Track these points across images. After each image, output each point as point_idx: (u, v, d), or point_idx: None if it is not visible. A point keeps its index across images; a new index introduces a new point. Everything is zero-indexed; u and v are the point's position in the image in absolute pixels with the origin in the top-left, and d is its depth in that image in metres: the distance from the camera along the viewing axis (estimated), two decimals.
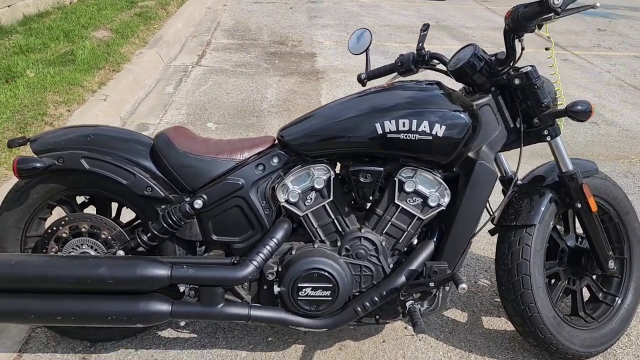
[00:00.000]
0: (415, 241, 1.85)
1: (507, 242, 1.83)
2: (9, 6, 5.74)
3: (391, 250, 1.82)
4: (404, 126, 1.65)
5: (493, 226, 1.94)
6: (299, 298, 1.73)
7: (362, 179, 1.72)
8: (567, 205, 1.85)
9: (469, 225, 1.75)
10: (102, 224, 1.82)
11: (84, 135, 1.77)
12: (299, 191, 1.75)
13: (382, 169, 1.72)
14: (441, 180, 1.76)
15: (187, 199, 1.73)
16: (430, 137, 1.65)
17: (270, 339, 2.02)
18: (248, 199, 1.76)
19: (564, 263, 1.95)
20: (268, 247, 1.73)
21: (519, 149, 1.78)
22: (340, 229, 1.80)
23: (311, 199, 1.77)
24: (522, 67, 1.75)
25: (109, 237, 1.82)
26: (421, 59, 1.95)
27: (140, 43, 5.65)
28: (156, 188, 1.74)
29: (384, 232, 1.80)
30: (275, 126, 4.01)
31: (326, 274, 1.72)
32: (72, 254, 1.80)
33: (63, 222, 1.81)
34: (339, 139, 1.69)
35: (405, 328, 2.11)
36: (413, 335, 2.08)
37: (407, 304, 1.71)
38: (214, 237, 1.80)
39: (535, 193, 1.84)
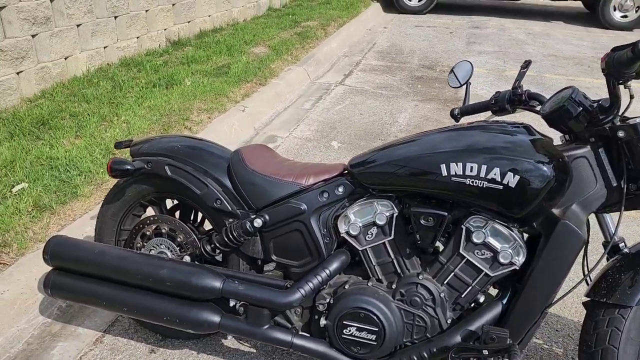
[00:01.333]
0: (482, 299, 1.66)
1: (593, 321, 1.54)
2: (188, 22, 6.48)
3: (453, 304, 1.66)
4: (471, 171, 1.49)
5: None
6: (343, 336, 1.66)
7: (423, 222, 1.60)
8: None
9: (542, 293, 1.52)
10: (180, 228, 1.94)
11: (172, 145, 1.91)
12: (361, 224, 1.69)
13: (447, 214, 1.57)
14: (517, 236, 1.56)
15: (251, 217, 1.77)
16: (501, 187, 1.47)
17: None
18: (308, 225, 1.75)
19: None
20: (319, 277, 1.69)
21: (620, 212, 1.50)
22: (399, 271, 1.69)
23: (372, 234, 1.69)
24: (632, 118, 1.48)
25: (184, 242, 1.93)
26: (517, 98, 1.76)
27: (291, 60, 5.97)
28: (225, 202, 1.81)
29: (445, 282, 1.64)
30: None
31: (373, 316, 1.62)
32: (152, 252, 1.96)
33: (148, 222, 1.98)
34: (403, 176, 1.59)
35: None
36: None
37: None
38: (274, 258, 1.82)
39: (637, 268, 1.53)
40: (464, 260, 1.61)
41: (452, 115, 1.95)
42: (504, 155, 1.48)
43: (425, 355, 1.61)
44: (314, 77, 5.88)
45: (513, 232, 1.56)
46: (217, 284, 1.71)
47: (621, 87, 1.44)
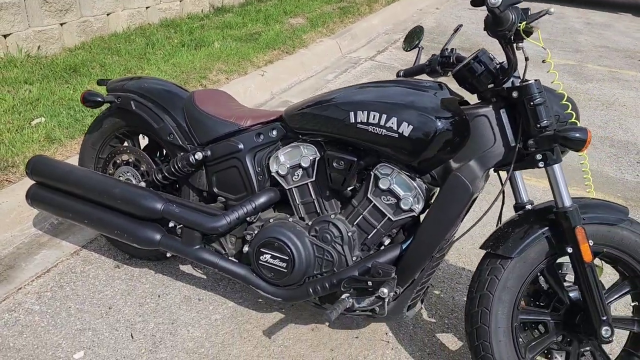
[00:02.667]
0: (387, 242, 1.79)
1: (479, 269, 1.65)
2: None
3: (361, 244, 1.80)
4: (373, 119, 1.62)
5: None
6: (259, 262, 1.85)
7: (335, 165, 1.74)
8: (560, 248, 1.57)
9: (430, 240, 1.63)
10: (143, 158, 2.18)
11: (141, 84, 2.14)
12: (288, 166, 1.86)
13: (355, 159, 1.71)
14: (418, 186, 1.68)
15: (193, 151, 1.98)
16: (396, 135, 1.59)
17: (260, 300, 2.18)
18: (244, 162, 1.93)
19: (559, 316, 1.67)
20: (244, 209, 1.87)
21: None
22: (318, 210, 1.85)
23: (298, 175, 1.86)
24: (527, 80, 1.55)
25: (145, 171, 2.17)
26: (446, 61, 1.85)
27: (326, 32, 6.11)
28: (176, 136, 2.02)
29: (355, 223, 1.79)
30: None
31: (285, 246, 1.79)
32: (120, 178, 2.21)
33: (118, 151, 2.23)
34: (323, 123, 1.74)
35: (386, 334, 2.05)
36: (388, 342, 2.01)
37: (343, 295, 1.69)
38: (215, 191, 2.02)
39: (526, 225, 1.61)
40: (371, 205, 1.74)
41: (397, 76, 2.06)
42: (403, 107, 1.59)
43: (327, 286, 1.77)
44: (346, 50, 5.99)
45: (415, 181, 1.68)
46: (159, 205, 1.94)
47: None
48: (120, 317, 2.05)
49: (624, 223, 1.58)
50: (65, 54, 4.33)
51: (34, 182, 2.20)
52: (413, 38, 2.04)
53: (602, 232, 1.58)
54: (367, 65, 5.54)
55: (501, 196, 1.74)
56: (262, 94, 4.43)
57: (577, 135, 1.44)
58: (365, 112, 1.64)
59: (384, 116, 1.61)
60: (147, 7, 5.36)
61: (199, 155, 1.95)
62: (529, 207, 1.70)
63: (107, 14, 4.92)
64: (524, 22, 1.45)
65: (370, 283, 1.65)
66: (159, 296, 2.17)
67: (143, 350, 1.91)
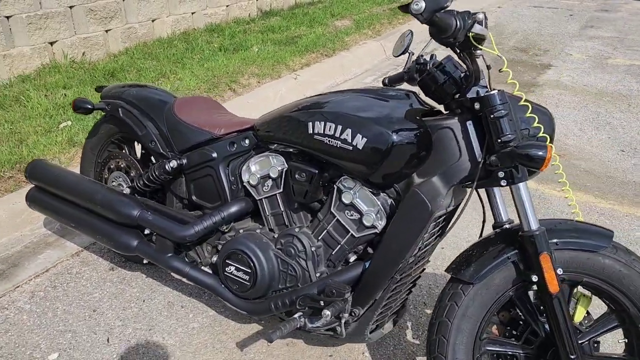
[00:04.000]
0: (352, 259, 1.69)
1: (442, 294, 1.51)
2: None
3: (326, 260, 1.71)
4: (329, 130, 1.53)
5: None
6: (225, 273, 1.80)
7: (297, 176, 1.66)
8: (527, 275, 1.40)
9: (389, 260, 1.50)
10: (132, 164, 2.21)
11: (130, 91, 2.16)
12: (259, 176, 1.80)
13: (316, 171, 1.63)
14: (381, 201, 1.56)
15: (169, 159, 1.97)
16: (351, 148, 1.49)
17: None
18: (217, 171, 1.90)
19: (531, 349, 1.49)
20: (213, 219, 1.83)
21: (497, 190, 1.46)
22: (287, 222, 1.78)
23: (268, 186, 1.80)
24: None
25: (133, 176, 2.20)
26: (422, 68, 1.72)
27: (371, 34, 5.99)
28: (157, 144, 2.02)
29: (320, 238, 1.70)
30: None
31: (248, 258, 1.73)
32: (113, 183, 2.25)
33: (112, 157, 2.27)
34: (284, 132, 1.67)
35: (363, 354, 1.94)
36: None
37: (296, 314, 1.60)
38: (193, 198, 2.00)
39: (492, 248, 1.45)
40: (335, 219, 1.65)
41: (383, 84, 1.95)
42: (359, 119, 1.49)
43: (287, 302, 1.69)
44: (390, 52, 5.84)
45: (379, 196, 1.57)
46: (135, 212, 1.94)
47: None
48: (102, 320, 2.08)
49: (605, 250, 1.39)
50: (107, 60, 4.53)
51: (33, 185, 2.29)
52: (402, 43, 1.92)
53: (581, 260, 1.40)
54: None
55: (486, 214, 1.60)
56: (293, 98, 4.39)
57: (535, 152, 1.28)
58: (322, 123, 1.55)
59: (339, 127, 1.51)
60: (192, 13, 5.50)
61: (174, 164, 1.94)
62: (507, 226, 1.55)
63: (152, 20, 5.09)
64: (470, 29, 1.30)
65: (322, 303, 1.56)
66: (143, 301, 2.19)
67: (115, 355, 1.92)
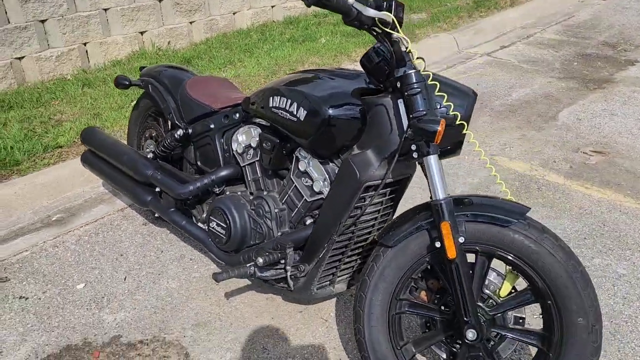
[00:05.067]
0: (308, 221, 1.89)
1: (370, 255, 1.67)
2: None
3: (289, 221, 1.93)
4: (282, 103, 1.74)
5: None
6: (209, 227, 2.09)
7: (264, 146, 1.90)
8: (434, 241, 1.51)
9: (327, 223, 1.69)
10: (161, 134, 2.58)
11: (162, 70, 2.52)
12: (243, 145, 2.07)
13: (278, 141, 1.85)
14: (328, 170, 1.75)
15: (177, 129, 2.30)
16: (295, 119, 1.70)
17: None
18: (214, 140, 2.19)
19: (448, 315, 1.60)
20: (205, 180, 2.13)
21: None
22: (262, 187, 2.03)
23: (250, 154, 2.06)
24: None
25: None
26: None
27: (446, 27, 5.97)
28: (173, 115, 2.36)
29: (283, 201, 1.92)
30: (480, 123, 3.86)
31: (225, 215, 2.01)
32: (147, 150, 2.64)
33: (147, 127, 2.66)
34: (257, 107, 1.91)
35: (329, 314, 2.13)
36: (326, 321, 2.09)
37: (248, 264, 1.84)
38: (199, 164, 2.32)
39: (413, 217, 1.58)
40: (293, 185, 1.86)
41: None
42: (305, 95, 1.68)
43: (251, 256, 1.94)
44: (464, 45, 5.79)
45: (327, 166, 1.76)
46: (149, 171, 2.30)
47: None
48: (124, 263, 2.48)
49: (516, 225, 1.46)
50: (188, 48, 5.04)
51: (87, 148, 2.75)
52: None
53: (492, 233, 1.49)
54: (478, 61, 5.30)
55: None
56: None
57: (429, 126, 1.40)
58: (278, 97, 1.77)
59: (289, 101, 1.72)
60: (272, 6, 5.88)
61: (180, 132, 2.27)
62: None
63: (233, 13, 5.55)
64: (385, 12, 1.44)
65: (273, 256, 1.79)
66: (161, 252, 2.55)
67: (127, 291, 2.30)
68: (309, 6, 1.40)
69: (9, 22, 4.09)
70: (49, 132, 3.44)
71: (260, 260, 1.74)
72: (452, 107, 1.51)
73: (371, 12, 1.41)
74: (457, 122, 1.51)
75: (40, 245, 2.63)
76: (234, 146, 2.09)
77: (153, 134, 2.62)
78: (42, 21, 4.25)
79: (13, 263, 2.51)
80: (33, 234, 2.72)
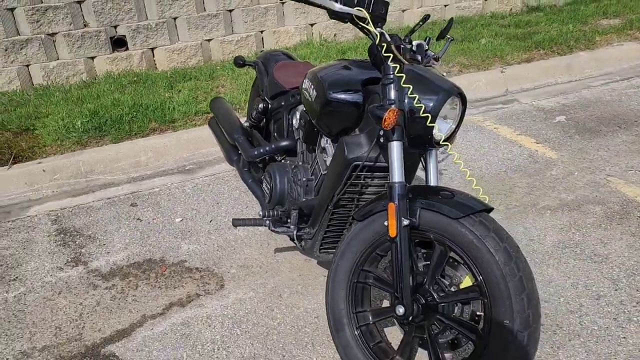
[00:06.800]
0: None
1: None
2: None
3: (314, 190, 2.19)
4: (306, 85, 2.00)
5: None
6: (262, 184, 2.46)
7: (301, 121, 2.19)
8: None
9: (323, 195, 1.91)
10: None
11: (268, 54, 2.95)
12: (300, 122, 2.39)
13: (309, 117, 2.12)
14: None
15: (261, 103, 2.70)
16: (310, 99, 1.94)
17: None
18: (284, 116, 2.54)
19: None
20: (266, 148, 2.49)
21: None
22: (304, 159, 2.32)
23: (301, 130, 2.37)
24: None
25: None
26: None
27: (637, 36, 5.30)
28: (264, 92, 2.78)
29: (311, 172, 2.19)
30: (618, 140, 3.49)
31: (270, 177, 2.35)
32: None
33: (256, 102, 3.14)
34: (300, 88, 2.20)
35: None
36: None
37: (265, 218, 2.15)
38: (275, 135, 2.70)
39: (384, 197, 1.71)
40: (317, 159, 2.12)
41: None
42: (318, 79, 1.91)
43: (297, 206, 2.22)
44: None
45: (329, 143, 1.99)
46: (235, 135, 2.75)
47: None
48: (216, 209, 3.00)
49: (465, 219, 1.52)
50: (350, 41, 5.45)
51: (211, 115, 3.35)
52: (445, 30, 2.18)
53: (443, 224, 1.56)
54: None
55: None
56: (490, 90, 4.49)
57: (378, 112, 1.53)
58: (307, 80, 2.04)
59: (309, 83, 1.98)
60: (445, 5, 5.94)
61: (261, 106, 2.67)
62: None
63: (402, 11, 5.77)
64: (357, 8, 1.59)
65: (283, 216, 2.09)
66: (247, 207, 3.02)
67: (207, 230, 2.81)
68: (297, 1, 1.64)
69: (204, 10, 5.01)
70: (206, 100, 4.19)
71: (265, 214, 2.05)
72: (417, 99, 1.60)
73: (337, 7, 1.59)
74: (422, 114, 1.59)
75: (168, 185, 3.32)
76: (293, 122, 2.42)
77: (259, 107, 3.08)
78: (230, 10, 5.08)
79: (145, 195, 3.24)
80: (168, 177, 3.44)
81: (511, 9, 6.28)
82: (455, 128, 1.70)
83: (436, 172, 1.77)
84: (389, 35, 1.80)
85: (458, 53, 4.85)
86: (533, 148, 3.47)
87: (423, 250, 1.73)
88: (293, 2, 1.68)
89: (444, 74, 2.22)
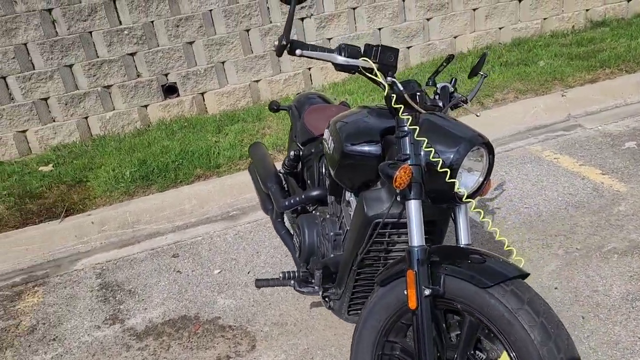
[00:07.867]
0: None
1: None
2: (628, 0, 6.02)
3: (342, 245, 2.05)
4: (326, 135, 1.89)
5: None
6: (293, 239, 2.35)
7: (326, 172, 2.07)
8: None
9: (346, 255, 1.77)
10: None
11: (302, 97, 2.87)
12: (327, 172, 2.27)
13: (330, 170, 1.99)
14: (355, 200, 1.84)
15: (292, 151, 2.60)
16: (329, 151, 1.82)
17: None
18: (314, 164, 2.44)
19: None
20: (297, 198, 2.39)
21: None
22: (333, 211, 2.20)
23: (328, 181, 2.25)
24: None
25: None
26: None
27: None
28: (296, 138, 2.69)
29: (339, 227, 2.06)
30: None
31: (300, 230, 2.23)
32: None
33: (292, 147, 3.06)
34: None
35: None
36: None
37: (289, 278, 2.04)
38: (308, 182, 2.60)
39: (402, 259, 1.54)
40: (342, 213, 1.99)
41: None
42: (337, 129, 1.80)
43: (321, 265, 2.10)
44: None
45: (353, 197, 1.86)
46: (269, 183, 2.66)
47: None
48: (256, 259, 2.92)
49: (494, 288, 1.33)
50: (400, 72, 5.31)
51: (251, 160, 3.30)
52: (477, 65, 2.03)
53: (470, 293, 1.38)
54: None
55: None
56: (549, 116, 4.18)
57: (387, 170, 1.39)
58: (327, 129, 1.93)
59: (327, 132, 1.87)
60: (500, 28, 5.68)
61: (292, 154, 2.58)
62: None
63: (454, 37, 5.58)
64: (363, 59, 1.47)
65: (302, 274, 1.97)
66: (287, 256, 2.92)
67: (244, 282, 2.73)
68: (279, 56, 1.55)
69: (252, 52, 5.06)
70: (251, 142, 4.17)
71: (291, 281, 1.93)
72: (433, 153, 1.44)
73: (340, 60, 1.48)
74: (440, 169, 1.43)
75: (210, 234, 3.30)
76: (323, 170, 2.31)
77: (294, 153, 3.00)
78: None
79: (187, 244, 3.22)
80: (211, 224, 3.42)
81: (573, 26, 5.90)
82: (483, 181, 1.52)
83: (467, 229, 1.59)
84: (404, 82, 1.67)
85: (514, 78, 4.58)
86: (598, 180, 3.15)
87: (456, 318, 1.54)
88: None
89: (478, 114, 2.04)
